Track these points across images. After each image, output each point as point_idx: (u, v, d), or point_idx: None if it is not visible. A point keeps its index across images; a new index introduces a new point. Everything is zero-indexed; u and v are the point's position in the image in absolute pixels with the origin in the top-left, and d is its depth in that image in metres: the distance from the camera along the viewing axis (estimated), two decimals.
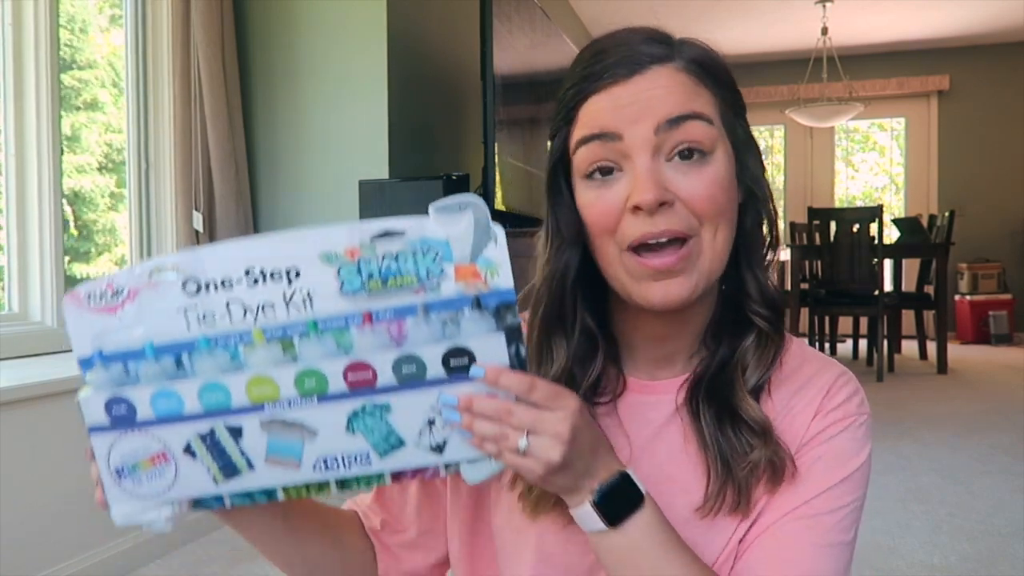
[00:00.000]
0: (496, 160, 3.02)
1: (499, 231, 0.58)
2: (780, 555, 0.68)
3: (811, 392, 0.73)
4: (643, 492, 0.64)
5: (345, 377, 0.58)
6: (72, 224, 2.70)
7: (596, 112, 0.67)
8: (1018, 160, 7.13)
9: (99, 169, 2.80)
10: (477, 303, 0.58)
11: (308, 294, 0.58)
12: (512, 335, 0.58)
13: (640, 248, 0.67)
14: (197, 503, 0.62)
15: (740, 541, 0.71)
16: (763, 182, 0.73)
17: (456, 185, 2.79)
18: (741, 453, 0.69)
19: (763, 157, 0.75)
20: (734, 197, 0.70)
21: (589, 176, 0.68)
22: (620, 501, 0.63)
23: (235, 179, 3.01)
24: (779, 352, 0.73)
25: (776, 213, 0.75)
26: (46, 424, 1.94)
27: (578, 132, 0.69)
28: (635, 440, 0.74)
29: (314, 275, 0.57)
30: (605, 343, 0.74)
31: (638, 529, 0.64)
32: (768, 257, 0.74)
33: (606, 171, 0.67)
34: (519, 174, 3.40)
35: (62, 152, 2.46)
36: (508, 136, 3.21)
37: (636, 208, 0.65)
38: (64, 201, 2.45)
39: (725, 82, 0.71)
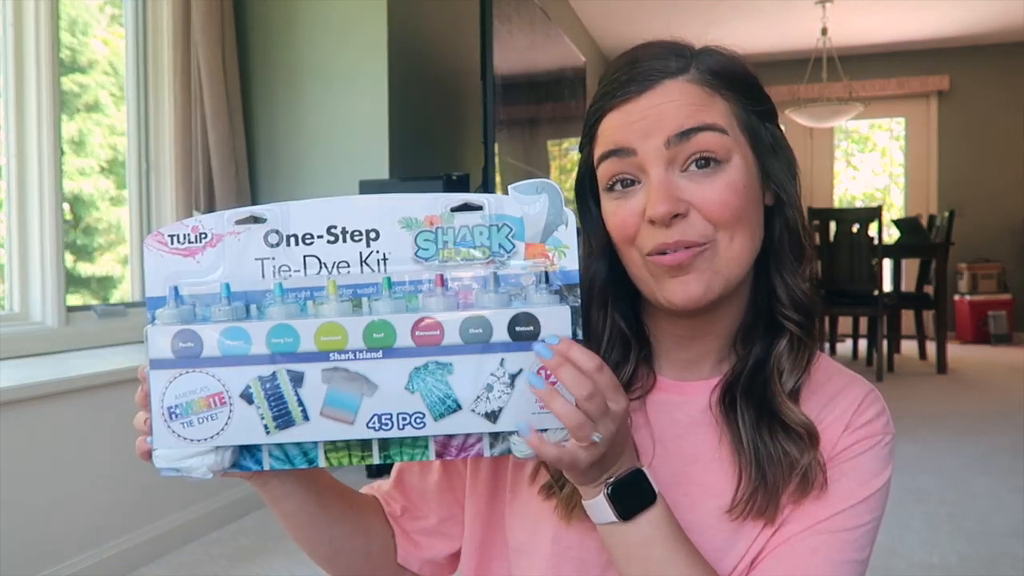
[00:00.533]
0: (496, 160, 3.02)
1: (571, 216, 0.62)
2: (796, 567, 0.69)
3: (842, 405, 0.74)
4: (656, 490, 0.66)
5: (413, 332, 0.59)
6: (76, 224, 2.70)
7: (611, 129, 0.70)
8: (1018, 160, 7.13)
9: (101, 171, 2.80)
10: (544, 279, 0.61)
11: (384, 256, 0.61)
12: (575, 314, 0.60)
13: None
14: (236, 464, 0.62)
15: (761, 549, 0.71)
16: (790, 187, 0.73)
17: (456, 185, 2.79)
18: (776, 457, 0.70)
19: (794, 163, 0.74)
20: (754, 202, 0.70)
21: (610, 188, 0.71)
22: (633, 495, 0.65)
23: (235, 179, 3.01)
24: (811, 358, 0.73)
25: (805, 220, 0.75)
26: (46, 424, 1.94)
27: (598, 149, 0.71)
28: (661, 438, 0.75)
29: (392, 238, 0.61)
30: (638, 344, 0.76)
31: (649, 524, 0.65)
32: (801, 263, 0.74)
33: (627, 183, 0.69)
34: (519, 174, 3.40)
35: (63, 153, 2.47)
36: (508, 136, 3.21)
37: (650, 220, 0.67)
38: (66, 202, 2.46)
39: (744, 88, 0.71)
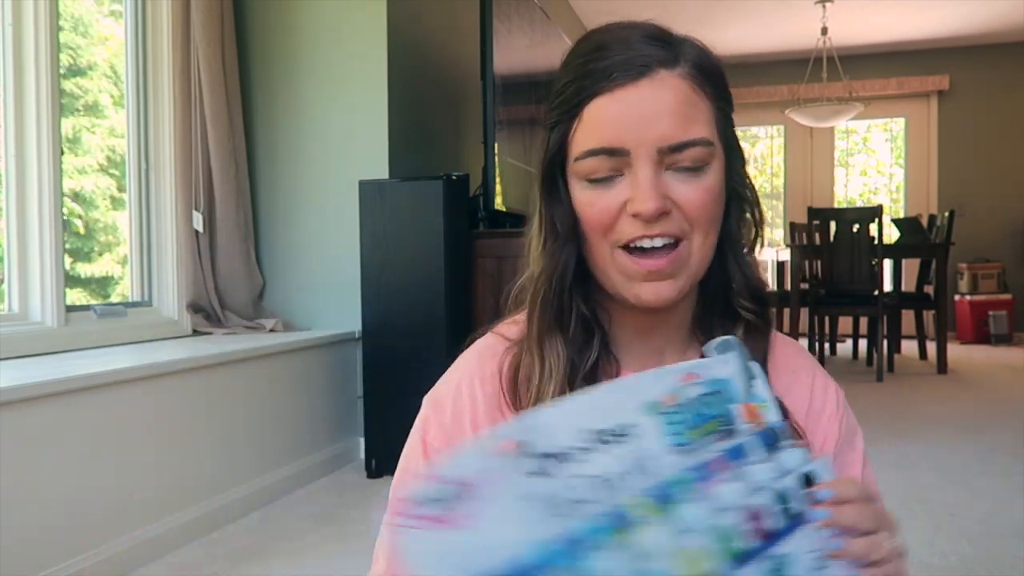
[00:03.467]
0: (496, 160, 3.02)
1: (756, 367, 0.61)
2: None
3: (803, 376, 0.81)
4: None
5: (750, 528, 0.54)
6: (81, 224, 2.70)
7: (604, 121, 0.67)
8: (1018, 160, 7.13)
9: (101, 170, 2.80)
10: (768, 437, 0.58)
11: (641, 456, 0.53)
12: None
13: (633, 248, 0.68)
14: None
15: None
16: (749, 183, 0.76)
17: (456, 185, 2.79)
18: None
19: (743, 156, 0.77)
20: (723, 202, 0.73)
21: (591, 180, 0.69)
22: None
23: (235, 179, 3.01)
24: (767, 342, 0.76)
25: (761, 213, 0.78)
26: (46, 424, 1.94)
27: (584, 138, 0.68)
28: None
29: (642, 430, 0.54)
30: (600, 330, 0.76)
31: None
32: (750, 250, 0.77)
33: (611, 177, 0.68)
34: (519, 174, 3.40)
35: (62, 152, 2.46)
36: (508, 136, 3.21)
37: (636, 215, 0.67)
38: (70, 201, 2.45)
39: (722, 87, 0.72)
